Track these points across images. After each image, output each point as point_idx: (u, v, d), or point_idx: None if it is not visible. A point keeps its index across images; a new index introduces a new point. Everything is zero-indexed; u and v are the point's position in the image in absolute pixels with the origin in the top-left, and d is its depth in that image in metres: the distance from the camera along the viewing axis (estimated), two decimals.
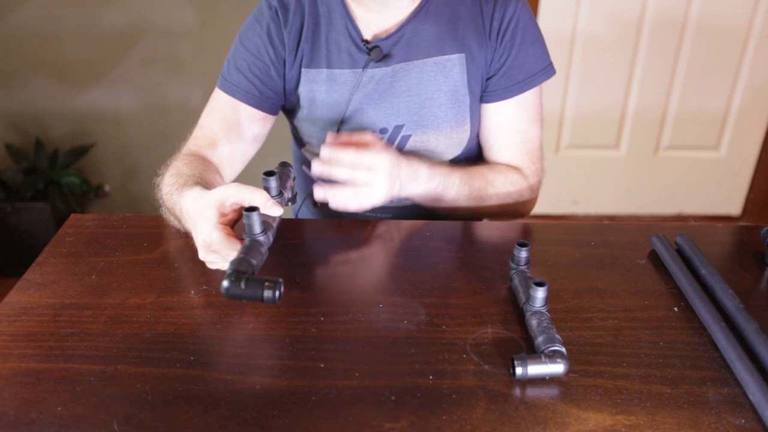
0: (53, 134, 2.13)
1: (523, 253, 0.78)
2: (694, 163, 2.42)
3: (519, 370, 0.64)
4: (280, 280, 0.62)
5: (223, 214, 0.71)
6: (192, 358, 0.68)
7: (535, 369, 0.64)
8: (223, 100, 0.97)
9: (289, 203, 0.80)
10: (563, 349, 0.66)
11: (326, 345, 0.70)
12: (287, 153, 1.19)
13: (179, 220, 0.81)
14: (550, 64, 1.01)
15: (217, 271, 0.83)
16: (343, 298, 0.78)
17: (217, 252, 0.70)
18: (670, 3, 2.12)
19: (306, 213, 1.19)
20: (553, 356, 0.65)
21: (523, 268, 0.79)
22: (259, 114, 0.98)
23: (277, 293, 0.62)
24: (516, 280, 0.77)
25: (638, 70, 2.23)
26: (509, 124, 1.01)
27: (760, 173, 2.41)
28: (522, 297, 0.74)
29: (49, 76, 2.04)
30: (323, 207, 1.14)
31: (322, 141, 1.02)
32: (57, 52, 2.00)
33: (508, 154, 1.02)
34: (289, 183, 0.80)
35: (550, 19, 2.14)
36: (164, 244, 0.88)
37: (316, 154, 1.07)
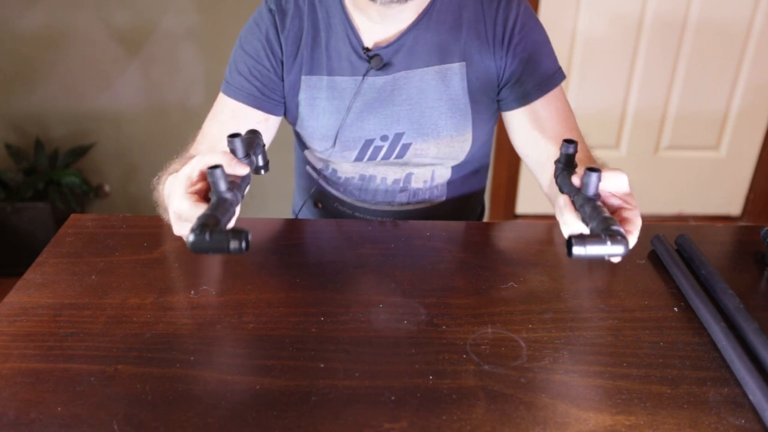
0: (53, 134, 2.13)
1: (571, 150, 0.72)
2: (694, 163, 2.42)
3: (577, 250, 0.56)
4: (247, 229, 0.59)
5: (192, 184, 0.69)
6: (192, 358, 0.68)
7: (594, 249, 0.56)
8: (225, 103, 0.97)
9: (263, 171, 0.78)
10: (623, 231, 0.58)
11: (326, 345, 0.70)
12: (289, 154, 1.19)
13: (165, 212, 0.79)
14: (560, 68, 0.98)
15: (217, 272, 0.83)
16: (343, 298, 0.78)
17: (188, 220, 0.67)
18: (670, 3, 2.12)
19: (306, 213, 1.19)
20: (614, 236, 0.57)
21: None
22: (261, 115, 0.97)
23: (244, 243, 0.58)
24: (563, 175, 0.71)
25: (638, 70, 2.23)
26: (546, 122, 0.96)
27: (760, 173, 2.41)
28: (572, 188, 0.68)
29: (49, 76, 2.04)
30: (324, 208, 1.14)
31: (324, 146, 1.02)
32: (57, 53, 2.00)
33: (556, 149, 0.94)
34: (259, 149, 0.77)
35: (550, 19, 2.14)
36: (164, 244, 0.88)
37: (319, 159, 1.07)
